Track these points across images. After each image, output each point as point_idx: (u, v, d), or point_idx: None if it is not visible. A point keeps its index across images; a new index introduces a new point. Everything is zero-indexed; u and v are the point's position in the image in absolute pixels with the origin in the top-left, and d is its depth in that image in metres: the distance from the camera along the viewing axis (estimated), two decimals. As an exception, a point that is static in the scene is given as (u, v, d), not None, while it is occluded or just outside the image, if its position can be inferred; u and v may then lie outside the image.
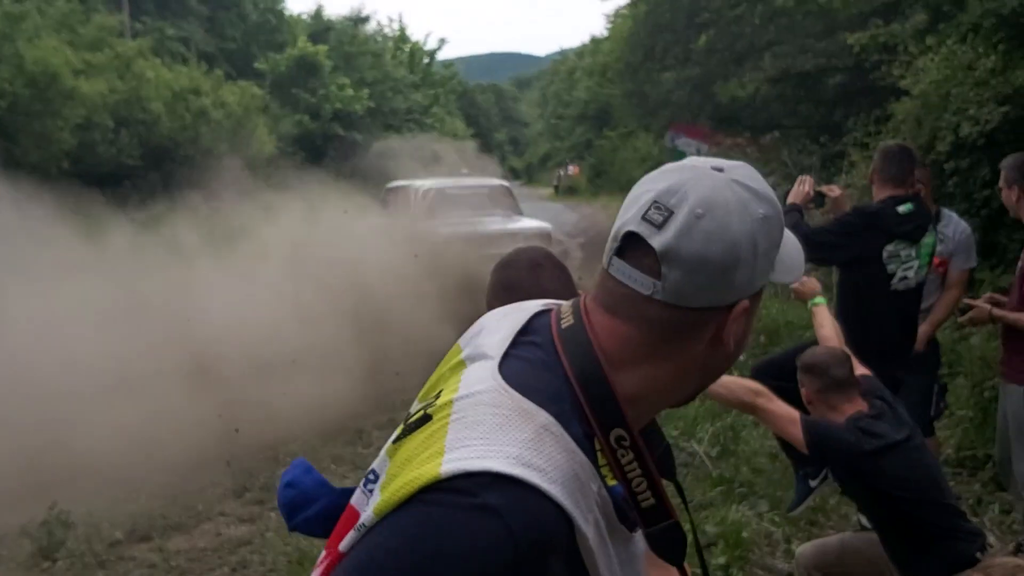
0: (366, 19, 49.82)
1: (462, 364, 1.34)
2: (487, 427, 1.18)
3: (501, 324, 1.37)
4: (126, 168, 26.44)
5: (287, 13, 45.73)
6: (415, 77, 52.03)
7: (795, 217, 4.82)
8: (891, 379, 4.26)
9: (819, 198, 5.15)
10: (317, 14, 47.56)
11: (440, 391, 1.30)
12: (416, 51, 55.64)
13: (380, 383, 9.07)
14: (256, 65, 39.00)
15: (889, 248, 4.82)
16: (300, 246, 11.42)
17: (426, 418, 1.25)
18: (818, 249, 4.75)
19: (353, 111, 41.91)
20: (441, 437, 1.19)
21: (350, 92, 42.11)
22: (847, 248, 4.85)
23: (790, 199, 4.99)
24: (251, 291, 9.70)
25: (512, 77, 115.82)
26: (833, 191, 5.22)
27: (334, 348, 9.05)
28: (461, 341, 1.42)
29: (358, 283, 10.24)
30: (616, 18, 50.93)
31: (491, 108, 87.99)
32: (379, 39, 51.62)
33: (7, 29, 23.31)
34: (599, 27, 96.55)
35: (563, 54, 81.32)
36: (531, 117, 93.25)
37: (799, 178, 5.17)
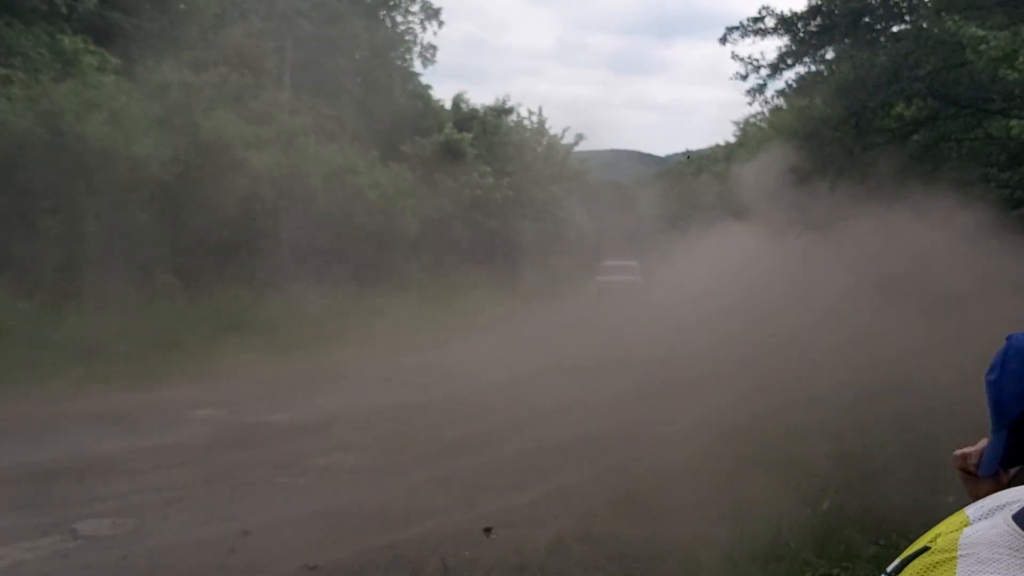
0: (510, 110, 50.43)
1: (962, 513, 1.32)
2: (1005, 566, 1.11)
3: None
4: (281, 240, 26.83)
5: (435, 99, 46.50)
6: (552, 169, 52.40)
7: None
8: None
9: None
10: (456, 102, 48.29)
11: (937, 534, 1.28)
12: (554, 144, 56.14)
13: None
14: (402, 148, 39.57)
15: None
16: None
17: (925, 549, 1.23)
18: None
19: (492, 199, 42.25)
20: (949, 571, 1.14)
21: (491, 180, 42.49)
22: None
23: None
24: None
25: (633, 175, 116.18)
26: None
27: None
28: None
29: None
30: (748, 126, 50.92)
31: (613, 204, 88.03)
32: (520, 130, 52.18)
33: (185, 99, 23.99)
34: (725, 133, 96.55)
35: (688, 155, 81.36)
36: (651, 216, 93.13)
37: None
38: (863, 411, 13.69)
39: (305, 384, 17.26)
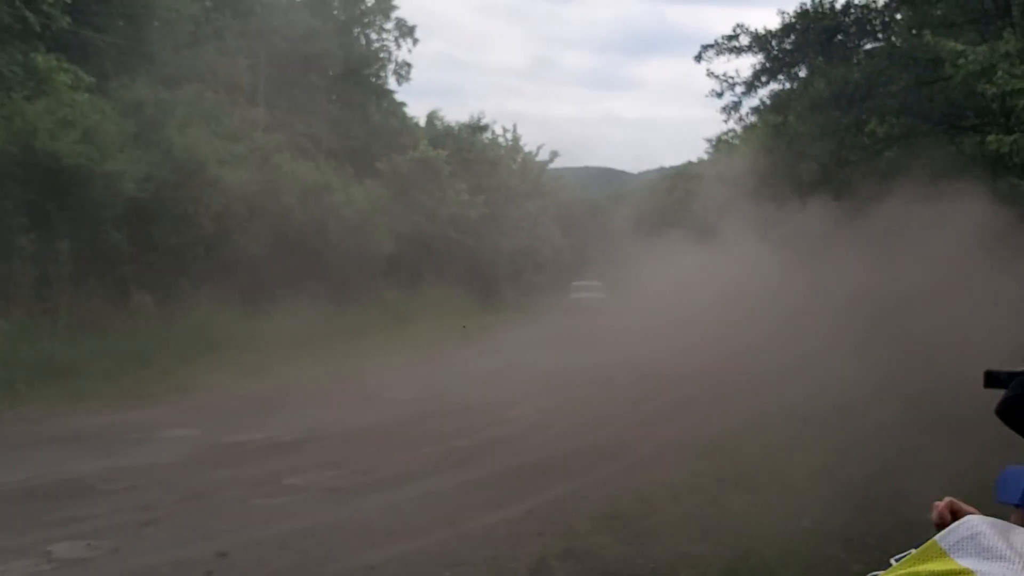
0: (485, 127, 50.48)
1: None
2: None
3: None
4: (256, 257, 26.70)
5: (410, 116, 46.50)
6: (527, 186, 52.48)
7: None
8: None
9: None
10: (431, 120, 48.30)
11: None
12: (528, 161, 56.24)
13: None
14: (377, 165, 39.50)
15: None
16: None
17: None
18: None
19: (467, 216, 42.25)
20: None
21: (466, 197, 42.49)
22: None
23: None
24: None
25: (606, 191, 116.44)
26: None
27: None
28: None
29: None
30: (720, 144, 51.11)
31: (587, 221, 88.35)
32: (494, 147, 52.26)
33: (159, 116, 23.86)
34: (697, 150, 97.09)
35: (660, 173, 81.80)
36: (624, 231, 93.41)
37: None
38: (839, 426, 13.72)
39: (282, 402, 17.15)
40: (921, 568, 1.35)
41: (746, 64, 42.98)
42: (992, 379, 5.08)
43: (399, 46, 45.01)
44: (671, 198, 63.74)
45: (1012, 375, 5.09)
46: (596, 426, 15.34)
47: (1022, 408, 4.52)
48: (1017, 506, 1.91)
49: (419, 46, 65.48)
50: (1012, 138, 9.40)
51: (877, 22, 20.30)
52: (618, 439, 14.33)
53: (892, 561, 1.50)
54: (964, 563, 1.38)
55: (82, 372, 16.81)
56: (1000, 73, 9.47)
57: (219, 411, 15.84)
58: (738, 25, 21.52)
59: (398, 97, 48.47)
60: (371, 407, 16.85)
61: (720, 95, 22.68)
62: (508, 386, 19.48)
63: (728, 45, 21.83)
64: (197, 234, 24.09)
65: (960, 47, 10.85)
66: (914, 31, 17.57)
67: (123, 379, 17.34)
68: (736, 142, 40.83)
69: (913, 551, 1.47)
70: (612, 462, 12.54)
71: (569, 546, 8.33)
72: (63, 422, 14.12)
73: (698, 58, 22.59)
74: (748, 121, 25.24)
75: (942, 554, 1.37)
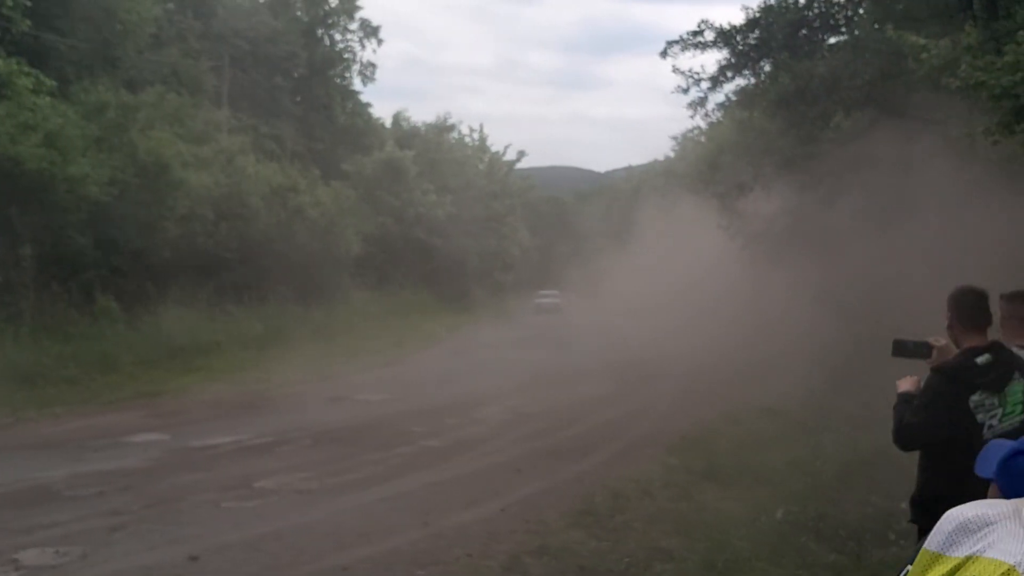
0: (451, 128, 50.42)
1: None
2: None
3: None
4: (222, 260, 26.54)
5: (375, 117, 46.37)
6: (495, 186, 52.47)
7: (905, 409, 4.83)
8: None
9: (925, 348, 4.99)
10: (397, 120, 48.16)
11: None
12: (496, 161, 56.23)
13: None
14: (343, 166, 39.38)
15: (974, 399, 4.70)
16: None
17: None
18: (914, 432, 4.79)
19: (435, 216, 42.20)
20: None
21: (433, 198, 42.44)
22: (939, 417, 4.72)
23: (901, 387, 4.93)
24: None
25: (573, 191, 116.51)
26: (939, 341, 5.02)
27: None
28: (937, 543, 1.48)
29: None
30: (686, 140, 51.27)
31: (555, 220, 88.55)
32: (461, 147, 52.23)
33: (122, 119, 23.63)
34: (664, 148, 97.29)
35: (628, 171, 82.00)
36: (592, 231, 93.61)
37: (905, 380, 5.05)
38: (810, 418, 13.77)
39: (250, 405, 17.05)
40: None
41: (711, 60, 43.20)
42: (899, 348, 5.22)
43: (364, 47, 44.95)
44: (637, 196, 63.95)
45: (918, 344, 5.26)
46: (568, 423, 15.33)
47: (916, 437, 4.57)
48: (992, 480, 1.90)
49: (385, 47, 65.23)
50: (981, 129, 9.47)
51: (840, 17, 20.38)
52: (590, 436, 14.33)
53: None
54: (958, 554, 1.37)
55: (48, 378, 16.63)
56: (963, 67, 9.51)
57: (187, 415, 15.71)
58: (703, 21, 21.54)
59: (364, 98, 48.49)
60: (341, 409, 16.78)
61: (686, 91, 22.68)
62: (478, 385, 19.47)
63: (693, 41, 21.84)
64: (162, 237, 23.88)
65: (922, 41, 10.90)
66: (877, 25, 17.62)
67: (89, 384, 17.18)
68: (702, 139, 40.99)
69: (910, 567, 1.46)
70: (584, 459, 12.53)
71: (543, 543, 8.30)
72: (29, 429, 13.96)
73: (663, 54, 22.59)
74: (714, 117, 25.29)
75: (937, 558, 1.41)
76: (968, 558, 1.39)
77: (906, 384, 4.97)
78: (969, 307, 4.89)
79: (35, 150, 19.71)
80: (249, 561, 7.88)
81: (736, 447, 12.40)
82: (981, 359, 4.75)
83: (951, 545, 1.46)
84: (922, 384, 4.99)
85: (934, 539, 1.49)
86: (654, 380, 21.30)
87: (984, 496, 1.90)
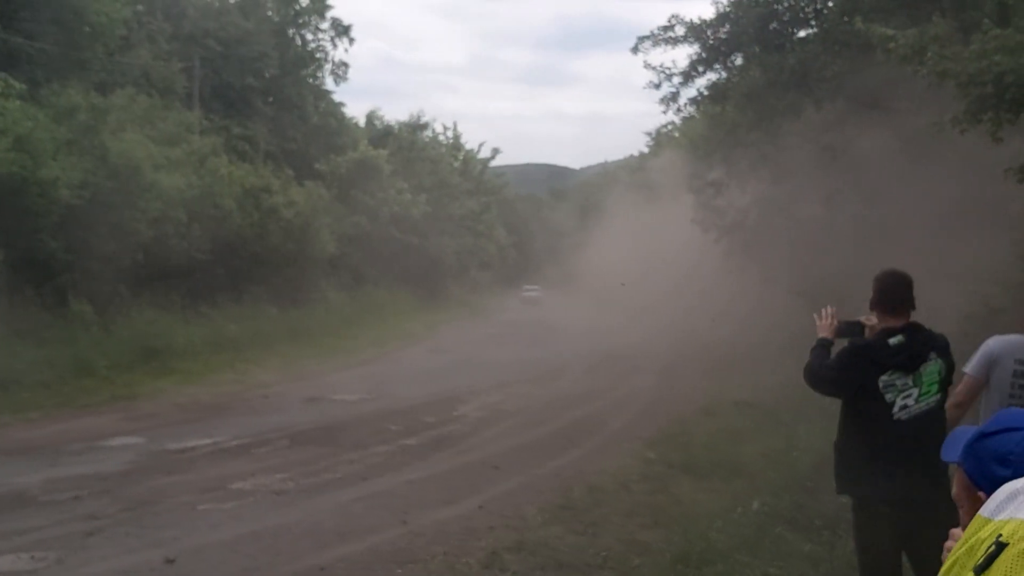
0: (425, 126, 50.33)
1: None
2: None
3: None
4: (195, 262, 26.40)
5: (348, 117, 46.20)
6: (470, 184, 52.44)
7: (820, 353, 5.20)
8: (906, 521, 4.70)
9: (858, 327, 5.24)
10: (370, 119, 48.04)
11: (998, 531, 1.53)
12: (470, 159, 56.18)
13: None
14: (317, 166, 39.27)
15: (884, 379, 4.94)
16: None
17: (1002, 545, 1.49)
18: (823, 384, 5.22)
19: (410, 215, 42.14)
20: None
21: (408, 196, 42.36)
22: (848, 382, 5.06)
23: (819, 333, 5.27)
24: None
25: (548, 188, 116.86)
26: (871, 320, 5.24)
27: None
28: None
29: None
30: (660, 136, 51.31)
31: (530, 217, 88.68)
32: (436, 146, 52.14)
33: (92, 121, 23.48)
34: (638, 143, 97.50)
35: (603, 167, 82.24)
36: (568, 227, 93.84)
37: (823, 311, 5.39)
38: (785, 410, 13.84)
39: (227, 407, 17.01)
40: (976, 537, 1.49)
41: (683, 55, 43.11)
42: (839, 329, 5.52)
43: (335, 46, 44.70)
44: (612, 192, 64.21)
45: (851, 324, 5.54)
46: (545, 420, 15.37)
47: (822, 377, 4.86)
48: (959, 464, 1.94)
49: (357, 46, 64.94)
50: (948, 117, 9.54)
51: (810, 10, 20.43)
52: (568, 431, 14.38)
53: None
54: (1002, 517, 1.59)
55: (22, 383, 16.50)
56: (930, 55, 9.58)
57: (163, 418, 15.65)
58: (673, 16, 21.58)
59: (336, 97, 48.34)
60: (317, 409, 16.75)
61: (658, 86, 22.69)
62: (456, 383, 19.49)
63: (664, 36, 21.87)
64: (135, 240, 23.70)
65: (890, 32, 10.95)
66: (846, 18, 17.71)
67: (64, 389, 17.08)
68: (676, 134, 41.07)
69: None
70: (562, 454, 12.57)
71: (521, 538, 8.33)
72: (3, 434, 13.85)
73: (635, 50, 22.62)
74: (687, 112, 25.31)
75: (986, 522, 1.60)
76: (1008, 520, 1.54)
77: (824, 331, 5.28)
78: (888, 290, 5.12)
79: (5, 154, 19.56)
80: (226, 562, 7.87)
81: (712, 440, 12.47)
82: (894, 340, 4.97)
83: (999, 511, 1.59)
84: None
85: (988, 506, 1.63)
86: (630, 375, 21.38)
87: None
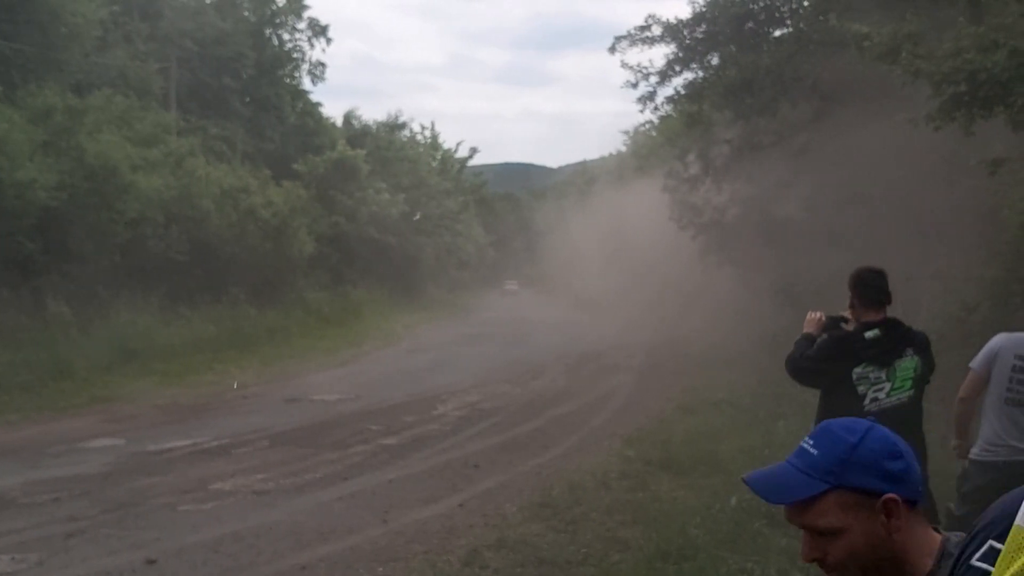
0: (402, 125, 50.27)
1: None
2: None
3: None
4: (174, 263, 26.33)
5: (326, 117, 46.11)
6: (448, 184, 52.42)
7: (803, 344, 5.38)
8: None
9: (841, 323, 5.43)
10: (348, 119, 47.95)
11: None
12: (448, 158, 56.17)
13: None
14: (295, 166, 39.21)
15: (858, 371, 5.09)
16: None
17: None
18: (802, 373, 5.41)
19: (389, 215, 42.12)
20: None
21: (386, 196, 42.34)
22: (827, 372, 5.24)
23: (806, 328, 5.47)
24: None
25: (526, 187, 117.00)
26: (852, 316, 5.40)
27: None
28: None
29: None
30: (637, 135, 51.44)
31: (509, 216, 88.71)
32: (413, 145, 52.10)
33: (69, 123, 23.40)
34: (616, 142, 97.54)
35: (581, 166, 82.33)
36: (546, 226, 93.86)
37: (814, 313, 5.59)
38: (763, 406, 13.94)
39: (206, 408, 16.99)
40: None
41: (659, 54, 43.35)
42: (825, 326, 5.75)
43: (312, 46, 44.65)
44: (590, 191, 64.29)
45: (834, 319, 5.76)
46: (525, 418, 15.42)
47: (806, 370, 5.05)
48: (826, 491, 1.90)
49: (334, 46, 64.93)
50: (922, 115, 9.66)
51: (785, 9, 20.60)
52: (547, 430, 14.43)
53: (976, 563, 1.55)
54: None
55: (1, 386, 16.44)
56: (904, 54, 9.70)
57: (143, 419, 15.62)
58: (650, 16, 21.74)
59: (314, 97, 48.20)
60: (297, 409, 16.75)
61: (635, 86, 22.85)
62: (435, 383, 19.52)
63: (641, 36, 22.03)
64: (113, 241, 23.65)
65: (865, 30, 11.07)
66: (821, 17, 17.85)
67: (43, 391, 17.01)
68: (653, 133, 41.22)
69: (999, 545, 1.51)
70: (542, 452, 12.63)
71: (501, 536, 8.37)
72: (-19, 437, 13.81)
73: (612, 50, 22.79)
74: (664, 111, 25.48)
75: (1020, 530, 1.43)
76: None
77: (810, 326, 5.46)
78: (864, 285, 5.26)
79: (-19, 156, 19.51)
80: (208, 563, 7.89)
81: (691, 437, 12.55)
82: (870, 334, 5.12)
83: None
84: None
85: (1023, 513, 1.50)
86: (609, 373, 21.45)
87: None
